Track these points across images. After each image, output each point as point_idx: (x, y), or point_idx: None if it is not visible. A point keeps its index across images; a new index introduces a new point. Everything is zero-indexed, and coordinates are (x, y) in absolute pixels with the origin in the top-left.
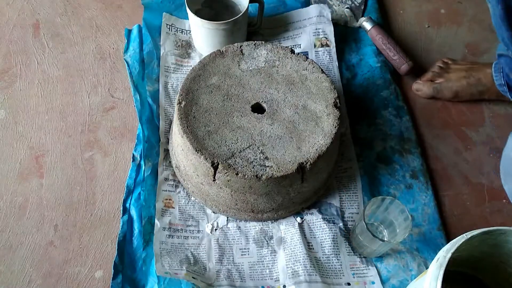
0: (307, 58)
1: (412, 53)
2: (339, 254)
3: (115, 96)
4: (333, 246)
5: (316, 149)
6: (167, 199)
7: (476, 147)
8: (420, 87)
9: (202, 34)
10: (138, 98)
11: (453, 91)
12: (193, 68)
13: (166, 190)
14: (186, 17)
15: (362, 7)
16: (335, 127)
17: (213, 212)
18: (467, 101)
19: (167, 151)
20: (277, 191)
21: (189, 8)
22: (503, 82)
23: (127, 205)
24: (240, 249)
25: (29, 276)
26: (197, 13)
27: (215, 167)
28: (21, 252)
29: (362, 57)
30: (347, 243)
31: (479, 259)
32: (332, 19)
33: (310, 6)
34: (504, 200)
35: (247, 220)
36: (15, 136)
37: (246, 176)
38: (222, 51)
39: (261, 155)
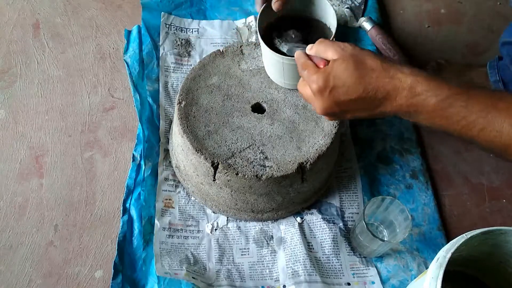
0: None
1: (412, 53)
2: (339, 254)
3: (115, 96)
4: (333, 246)
5: (316, 149)
6: (167, 199)
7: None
8: None
9: (281, 69)
10: (138, 98)
11: None
12: (193, 68)
13: (166, 190)
14: (186, 16)
15: (362, 7)
16: (335, 127)
17: (213, 212)
18: None
19: (167, 151)
20: (277, 191)
21: (262, 37)
22: (498, 78)
23: (127, 205)
24: (240, 249)
25: (29, 276)
26: (271, 36)
27: (215, 167)
28: (21, 252)
29: None
30: (347, 243)
31: (479, 259)
32: None
33: None
34: (504, 200)
35: (247, 220)
36: (15, 136)
37: (246, 176)
38: (222, 51)
39: (261, 155)
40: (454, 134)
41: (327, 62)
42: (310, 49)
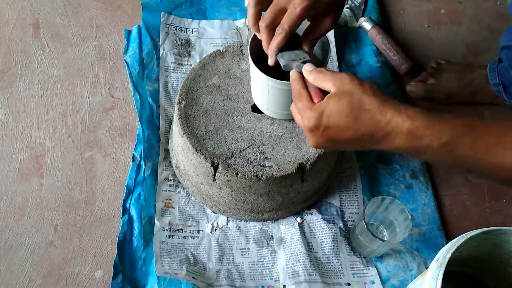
0: None
1: (412, 53)
2: (339, 254)
3: (115, 96)
4: (333, 246)
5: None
6: (167, 199)
7: None
8: (413, 89)
9: (273, 95)
10: (138, 98)
11: (445, 92)
12: (193, 68)
13: (166, 190)
14: (186, 16)
15: (362, 7)
16: None
17: (213, 212)
18: (461, 103)
19: (167, 151)
20: (277, 191)
21: (253, 62)
22: (498, 82)
23: (127, 205)
24: (240, 249)
25: (29, 276)
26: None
27: (215, 167)
28: (21, 252)
29: (362, 57)
30: (347, 243)
31: (479, 259)
32: None
33: None
34: (504, 200)
35: (247, 220)
36: (15, 136)
37: (246, 176)
38: (222, 51)
39: (261, 155)
40: (462, 170)
41: (322, 94)
42: (309, 72)
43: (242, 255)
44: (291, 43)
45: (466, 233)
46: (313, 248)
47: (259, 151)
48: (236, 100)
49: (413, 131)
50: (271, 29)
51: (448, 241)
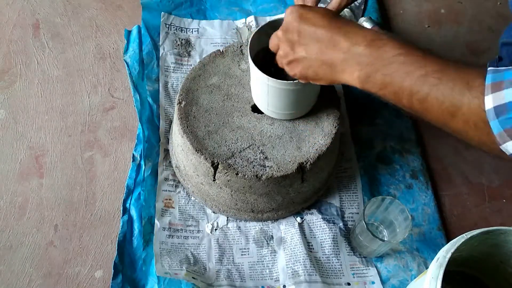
0: None
1: None
2: (339, 254)
3: (115, 96)
4: (333, 246)
5: (316, 149)
6: (167, 199)
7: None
8: None
9: (273, 95)
10: (138, 98)
11: None
12: (193, 68)
13: (166, 190)
14: (186, 16)
15: (362, 7)
16: (335, 127)
17: (213, 212)
18: None
19: (167, 151)
20: (277, 191)
21: (253, 59)
22: None
23: (127, 205)
24: (240, 249)
25: (29, 276)
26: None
27: (215, 167)
28: (21, 252)
29: None
30: (347, 243)
31: (479, 259)
32: None
33: None
34: (504, 200)
35: (247, 220)
36: (15, 136)
37: (246, 176)
38: (222, 51)
39: (261, 155)
40: (404, 97)
41: None
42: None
43: (242, 255)
44: None
45: (466, 233)
46: (313, 248)
47: (259, 151)
48: (236, 100)
49: (376, 33)
50: None
51: (448, 241)
